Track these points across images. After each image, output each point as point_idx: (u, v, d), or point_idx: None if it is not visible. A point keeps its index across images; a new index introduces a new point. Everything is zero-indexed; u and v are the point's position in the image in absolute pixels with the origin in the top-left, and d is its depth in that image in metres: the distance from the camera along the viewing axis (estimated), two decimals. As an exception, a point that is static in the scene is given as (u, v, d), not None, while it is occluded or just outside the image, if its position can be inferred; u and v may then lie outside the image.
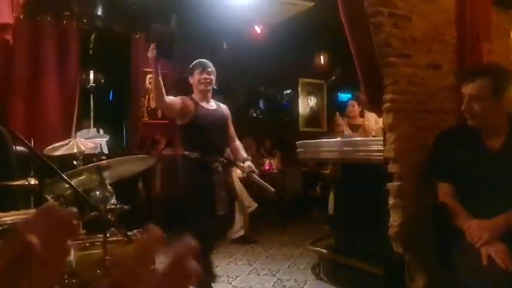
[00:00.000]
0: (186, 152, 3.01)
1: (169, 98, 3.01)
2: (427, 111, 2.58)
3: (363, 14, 2.40)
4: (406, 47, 2.48)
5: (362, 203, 3.41)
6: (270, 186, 3.25)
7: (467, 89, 2.15)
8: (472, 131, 2.24)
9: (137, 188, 4.80)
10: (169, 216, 5.42)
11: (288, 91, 8.30)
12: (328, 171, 5.69)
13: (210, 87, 3.11)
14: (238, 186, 5.05)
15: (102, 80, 6.01)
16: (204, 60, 3.16)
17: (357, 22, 2.46)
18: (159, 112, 7.01)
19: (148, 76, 6.80)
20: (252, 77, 7.37)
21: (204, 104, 3.06)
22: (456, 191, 2.25)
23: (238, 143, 3.31)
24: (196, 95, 3.09)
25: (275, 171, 6.63)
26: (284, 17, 6.01)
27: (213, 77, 3.11)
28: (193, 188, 2.98)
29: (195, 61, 3.16)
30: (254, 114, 8.02)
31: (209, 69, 3.09)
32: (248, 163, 3.16)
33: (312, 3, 5.55)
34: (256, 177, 3.16)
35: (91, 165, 2.32)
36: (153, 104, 6.93)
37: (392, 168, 2.49)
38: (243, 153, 3.24)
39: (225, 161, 3.06)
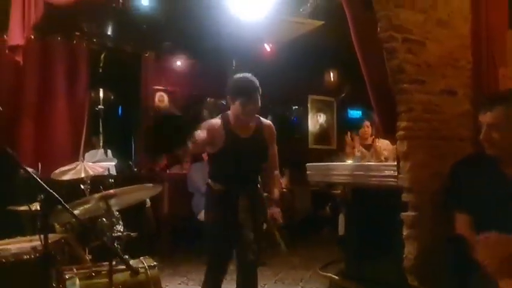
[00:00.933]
0: (210, 181, 2.66)
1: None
2: (443, 139, 2.51)
3: (375, 39, 2.34)
4: (420, 72, 2.42)
5: (374, 228, 3.32)
6: (284, 244, 2.99)
7: (485, 117, 2.09)
8: (489, 160, 2.17)
9: (145, 209, 4.75)
10: (177, 237, 5.37)
11: (298, 108, 8.25)
12: (339, 191, 5.61)
13: (253, 118, 2.64)
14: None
15: (112, 97, 6.03)
16: (249, 81, 2.57)
17: (369, 48, 2.42)
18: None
19: (158, 94, 6.84)
20: (261, 94, 7.35)
21: (238, 132, 2.59)
22: (474, 222, 2.18)
23: (276, 173, 2.85)
24: (232, 119, 2.60)
25: (284, 190, 6.54)
26: (294, 36, 5.99)
27: (259, 105, 2.59)
28: (215, 224, 2.62)
29: (238, 82, 2.59)
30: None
31: (255, 98, 2.55)
32: (275, 209, 2.81)
33: (321, 22, 5.52)
34: (276, 229, 2.86)
35: (97, 195, 2.27)
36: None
37: (407, 197, 2.41)
38: (275, 192, 2.78)
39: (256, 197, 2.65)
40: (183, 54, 6.56)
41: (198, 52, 6.41)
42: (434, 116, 2.48)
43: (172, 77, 6.83)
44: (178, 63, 6.73)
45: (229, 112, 2.63)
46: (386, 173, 2.98)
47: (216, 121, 2.61)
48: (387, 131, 2.55)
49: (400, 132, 2.40)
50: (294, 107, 8.21)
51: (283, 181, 6.83)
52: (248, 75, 2.61)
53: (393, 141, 2.55)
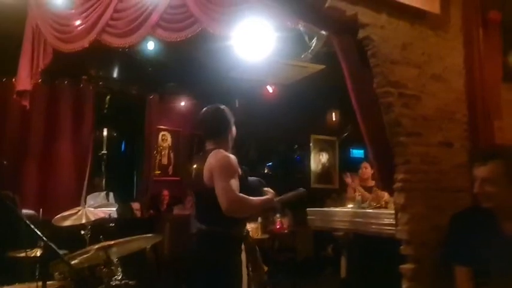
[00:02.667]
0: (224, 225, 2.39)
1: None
2: (441, 190, 2.52)
3: (372, 94, 2.41)
4: (416, 125, 2.47)
5: (375, 274, 3.29)
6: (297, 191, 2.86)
7: (479, 171, 2.14)
8: (487, 214, 2.19)
9: (145, 252, 4.73)
10: (178, 279, 5.30)
11: (300, 147, 8.31)
12: (341, 234, 5.57)
13: None
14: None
15: (115, 136, 6.11)
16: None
17: (366, 102, 2.48)
18: (170, 169, 7.07)
19: (161, 133, 6.94)
20: (264, 134, 7.43)
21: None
22: (474, 275, 2.18)
23: None
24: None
25: (286, 231, 6.50)
26: (296, 79, 6.12)
27: None
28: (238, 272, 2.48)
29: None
30: (265, 171, 8.00)
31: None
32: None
33: (323, 66, 5.65)
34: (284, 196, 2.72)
35: (97, 246, 2.29)
36: (164, 161, 7.01)
37: (405, 250, 2.40)
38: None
39: None
40: (187, 95, 6.69)
41: (201, 93, 6.54)
42: (432, 168, 2.51)
43: (176, 117, 6.94)
44: (182, 103, 6.85)
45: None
46: (386, 221, 3.00)
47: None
48: (385, 183, 2.58)
49: (398, 184, 2.42)
50: (296, 146, 8.28)
51: (285, 221, 6.80)
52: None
53: (391, 193, 2.57)
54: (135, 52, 5.10)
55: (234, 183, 2.32)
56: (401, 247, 2.42)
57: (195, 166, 2.49)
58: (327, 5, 2.30)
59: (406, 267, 2.39)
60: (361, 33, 2.38)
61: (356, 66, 2.49)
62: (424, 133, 2.50)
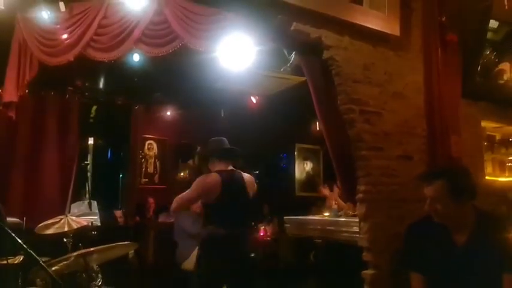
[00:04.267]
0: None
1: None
2: (401, 201, 2.69)
3: (336, 112, 2.58)
4: (377, 140, 2.64)
5: (345, 279, 3.44)
6: None
7: (427, 191, 2.25)
8: (440, 225, 2.33)
9: (128, 259, 4.83)
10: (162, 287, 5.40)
11: (285, 156, 8.48)
12: (320, 241, 5.72)
13: None
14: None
15: (101, 145, 6.22)
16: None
17: (331, 119, 2.64)
18: (156, 177, 7.19)
19: (147, 142, 7.06)
20: (249, 143, 7.57)
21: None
22: (428, 282, 2.32)
23: None
24: None
25: (269, 239, 6.64)
26: (279, 90, 6.28)
27: None
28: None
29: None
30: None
31: None
32: None
33: (304, 78, 5.80)
34: None
35: (76, 253, 2.41)
36: (150, 169, 7.13)
37: (366, 256, 2.56)
38: None
39: None
40: (172, 105, 6.82)
41: (187, 103, 6.68)
42: (392, 180, 2.68)
43: (162, 126, 7.07)
44: (168, 113, 6.98)
45: None
46: (355, 229, 3.16)
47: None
48: (348, 194, 2.74)
49: (360, 195, 2.59)
50: (281, 157, 8.45)
51: (270, 229, 6.93)
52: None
53: (354, 203, 2.73)
54: (121, 63, 5.22)
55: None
56: (363, 254, 2.59)
57: None
58: (292, 28, 2.47)
59: (366, 272, 2.55)
60: (325, 54, 2.55)
61: (321, 85, 2.66)
62: (384, 147, 2.67)
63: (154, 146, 7.05)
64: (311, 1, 2.45)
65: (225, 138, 3.29)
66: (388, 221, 2.61)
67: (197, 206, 3.25)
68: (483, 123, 3.49)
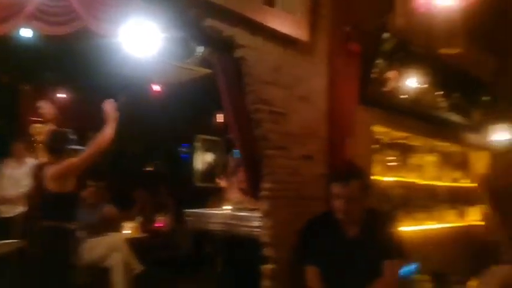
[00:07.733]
0: None
1: None
2: (301, 198, 2.84)
3: (245, 110, 2.62)
4: (282, 140, 2.75)
5: (245, 273, 3.53)
6: None
7: (343, 190, 2.37)
8: (335, 220, 2.51)
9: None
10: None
11: (187, 146, 8.41)
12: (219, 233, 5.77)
13: None
14: (125, 249, 4.90)
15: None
16: None
17: (239, 117, 2.68)
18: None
19: (34, 126, 6.47)
20: (151, 131, 7.36)
21: None
22: (322, 274, 2.48)
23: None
24: None
25: (166, 230, 6.55)
26: (181, 80, 6.17)
27: None
28: None
29: None
30: (149, 168, 7.95)
31: None
32: None
33: (209, 70, 5.79)
34: None
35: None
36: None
37: (267, 251, 2.66)
38: None
39: None
40: (68, 88, 6.35)
41: (82, 87, 6.27)
42: (294, 178, 2.82)
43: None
44: (60, 95, 6.48)
45: None
46: (255, 223, 3.25)
47: None
48: (252, 191, 2.82)
49: (264, 193, 2.68)
50: (182, 147, 8.36)
51: (167, 219, 6.82)
52: None
53: (255, 200, 2.81)
54: (8, 39, 4.71)
55: None
56: (264, 249, 2.68)
57: None
58: (206, 23, 2.44)
59: (266, 267, 2.65)
60: (237, 53, 2.57)
61: (232, 83, 2.68)
62: (288, 147, 2.79)
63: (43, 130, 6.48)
64: (226, -2, 2.44)
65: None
66: (289, 218, 2.74)
67: None
68: (373, 128, 3.77)
